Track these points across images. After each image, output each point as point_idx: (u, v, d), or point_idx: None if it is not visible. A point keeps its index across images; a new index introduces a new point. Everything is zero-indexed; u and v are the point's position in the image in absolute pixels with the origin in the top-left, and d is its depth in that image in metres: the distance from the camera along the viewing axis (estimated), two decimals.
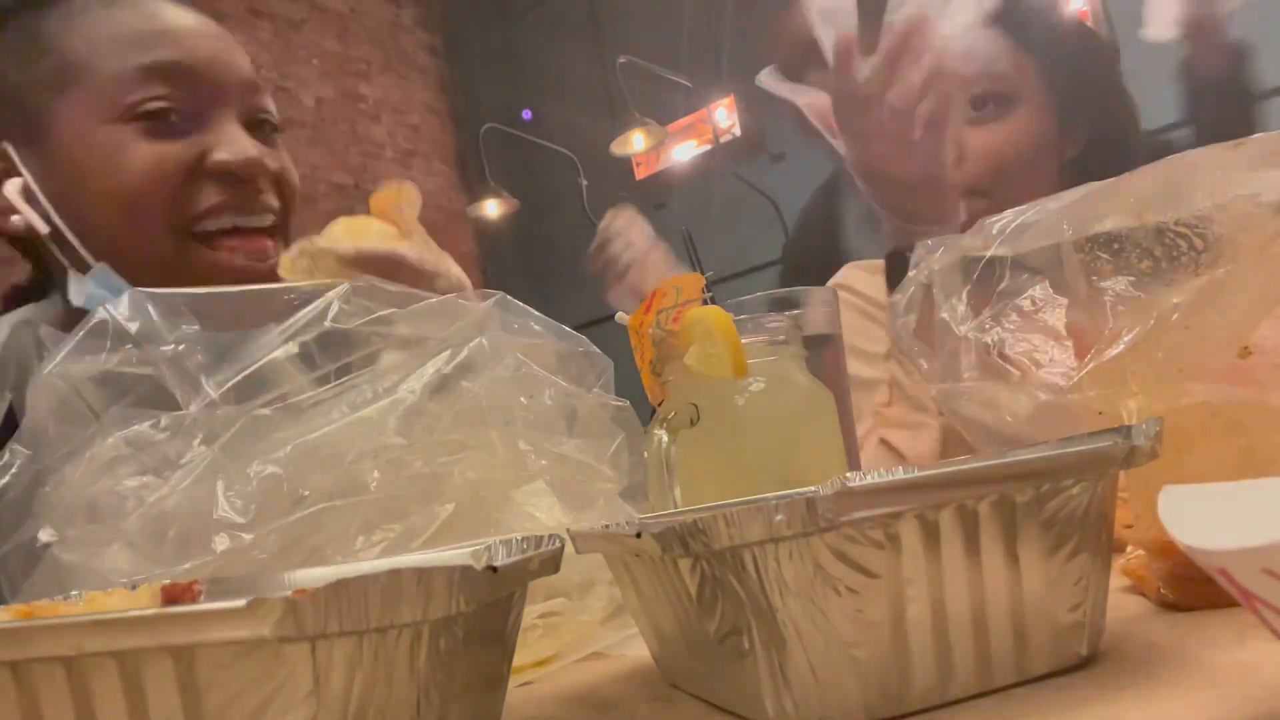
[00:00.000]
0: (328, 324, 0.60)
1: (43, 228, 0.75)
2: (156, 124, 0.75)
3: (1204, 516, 0.25)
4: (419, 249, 0.74)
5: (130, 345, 0.59)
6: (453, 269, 0.77)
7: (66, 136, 0.75)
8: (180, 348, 0.59)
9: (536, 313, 0.67)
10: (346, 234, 0.73)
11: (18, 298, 0.86)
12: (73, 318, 0.63)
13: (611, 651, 0.51)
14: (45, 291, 0.85)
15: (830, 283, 1.16)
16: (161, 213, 0.75)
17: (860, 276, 1.15)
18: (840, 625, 0.30)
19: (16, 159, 0.76)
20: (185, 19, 0.80)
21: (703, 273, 0.60)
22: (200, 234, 0.76)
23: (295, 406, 0.57)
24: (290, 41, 4.45)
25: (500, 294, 0.65)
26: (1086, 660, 0.34)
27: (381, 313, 0.61)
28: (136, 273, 0.73)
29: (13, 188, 0.75)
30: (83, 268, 0.75)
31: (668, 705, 0.39)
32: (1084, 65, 1.07)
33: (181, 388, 0.58)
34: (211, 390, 0.57)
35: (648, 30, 4.60)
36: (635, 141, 3.96)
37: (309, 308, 0.61)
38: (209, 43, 0.79)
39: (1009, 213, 0.61)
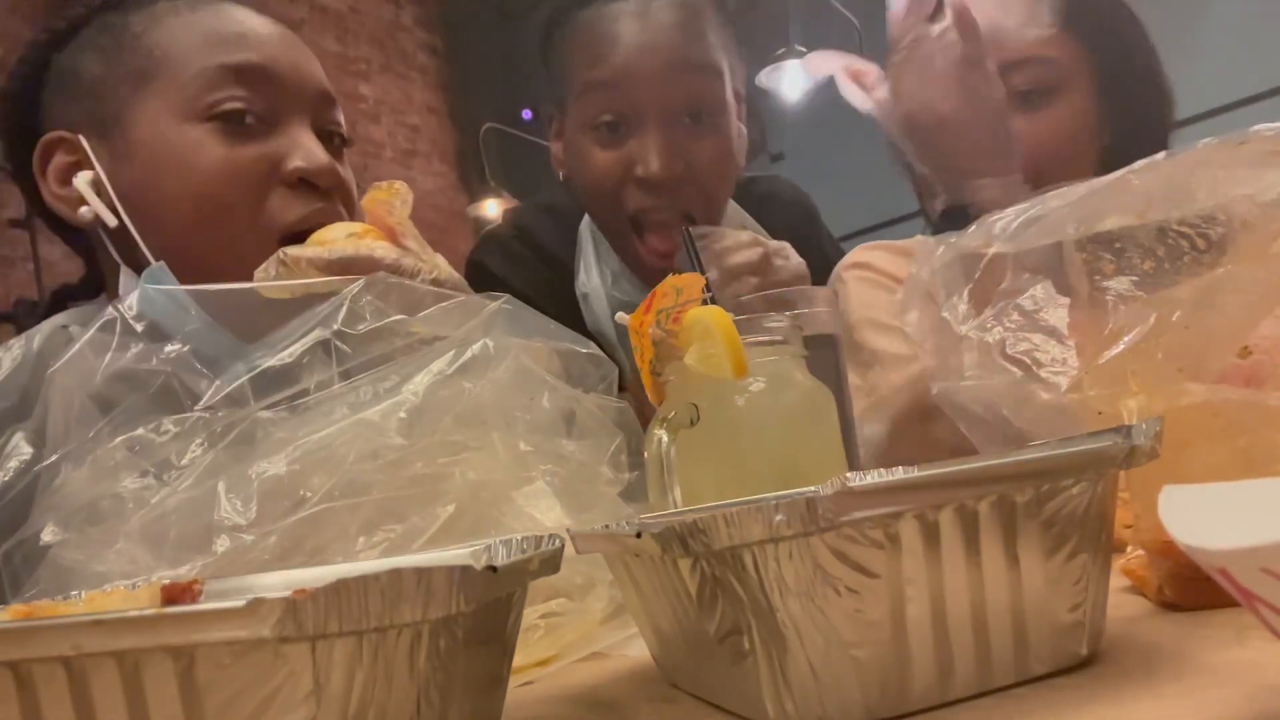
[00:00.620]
0: (338, 326, 0.60)
1: (111, 221, 0.74)
2: (232, 125, 0.75)
3: (1204, 516, 0.25)
4: (395, 250, 0.74)
5: (139, 344, 0.59)
6: (442, 266, 0.77)
7: (143, 132, 0.76)
8: (190, 346, 0.60)
9: (543, 316, 0.67)
10: (315, 240, 0.74)
11: (66, 296, 0.86)
12: None
13: (612, 651, 0.51)
14: (95, 292, 0.85)
15: (843, 263, 1.13)
16: (240, 215, 0.75)
17: (880, 255, 1.12)
18: (840, 625, 0.30)
19: (90, 152, 0.76)
20: (268, 27, 0.81)
21: (703, 273, 0.60)
22: (278, 233, 0.77)
23: (297, 407, 0.57)
24: None
25: (506, 296, 0.65)
26: (1086, 660, 0.34)
27: (395, 316, 0.62)
28: (206, 272, 0.71)
29: (83, 179, 0.75)
30: (138, 266, 0.75)
31: (668, 705, 0.39)
32: (1130, 52, 1.03)
33: (190, 385, 0.58)
34: (221, 388, 0.57)
35: None
36: None
37: (323, 307, 0.61)
38: (290, 51, 0.80)
39: (1010, 210, 0.61)
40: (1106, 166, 1.00)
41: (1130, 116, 1.01)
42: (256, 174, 0.76)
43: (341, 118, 0.84)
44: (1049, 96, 0.98)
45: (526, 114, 4.97)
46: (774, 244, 0.96)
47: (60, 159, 0.77)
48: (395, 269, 0.72)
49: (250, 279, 0.71)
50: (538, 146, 4.28)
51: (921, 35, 0.86)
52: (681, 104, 1.01)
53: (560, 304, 1.10)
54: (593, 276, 1.12)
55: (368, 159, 4.70)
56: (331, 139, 0.83)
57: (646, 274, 1.08)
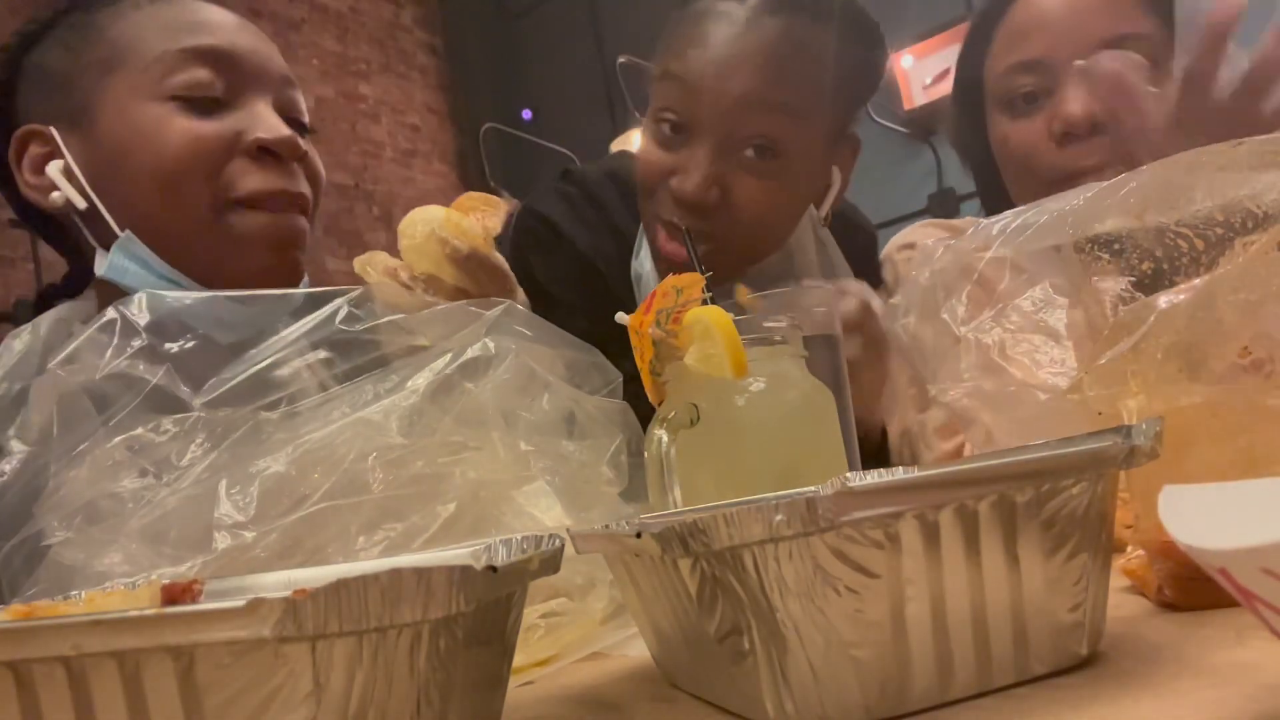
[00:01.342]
0: (337, 325, 0.60)
1: (80, 203, 0.77)
2: (195, 102, 0.78)
3: (1204, 516, 0.25)
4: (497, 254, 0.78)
5: (137, 344, 0.59)
6: (523, 297, 0.81)
7: (109, 115, 0.78)
8: (188, 347, 0.60)
9: (547, 323, 0.67)
10: (458, 231, 0.75)
11: (52, 295, 0.88)
12: None
13: (612, 651, 0.51)
14: (80, 291, 0.87)
15: (894, 242, 1.11)
16: (200, 187, 0.77)
17: (931, 233, 1.10)
18: (840, 625, 0.30)
19: (60, 142, 0.79)
20: (228, 16, 0.84)
21: (702, 273, 0.60)
22: (238, 199, 0.79)
23: (297, 407, 0.57)
24: (290, 41, 4.45)
25: (509, 303, 0.65)
26: (1086, 660, 0.34)
27: (393, 317, 0.62)
28: (173, 243, 0.77)
29: (55, 168, 0.78)
30: (109, 245, 0.78)
31: (668, 705, 0.39)
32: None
33: (187, 387, 0.58)
34: (217, 390, 0.58)
35: (648, 30, 4.60)
36: (635, 141, 3.96)
37: (319, 311, 0.61)
38: (249, 36, 0.83)
39: (1009, 213, 0.61)
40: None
41: None
42: (218, 146, 0.78)
43: (303, 105, 0.86)
44: (1157, 69, 0.91)
45: (526, 114, 4.97)
46: (854, 285, 0.88)
47: (34, 150, 0.80)
48: (510, 290, 0.77)
49: (207, 246, 0.76)
50: (538, 146, 4.30)
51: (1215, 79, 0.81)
52: (744, 136, 0.93)
53: (627, 282, 1.04)
54: (645, 262, 1.06)
55: (367, 159, 4.69)
56: (293, 125, 0.84)
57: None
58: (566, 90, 4.86)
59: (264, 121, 0.80)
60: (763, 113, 0.93)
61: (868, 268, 1.09)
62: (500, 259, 0.79)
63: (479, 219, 0.77)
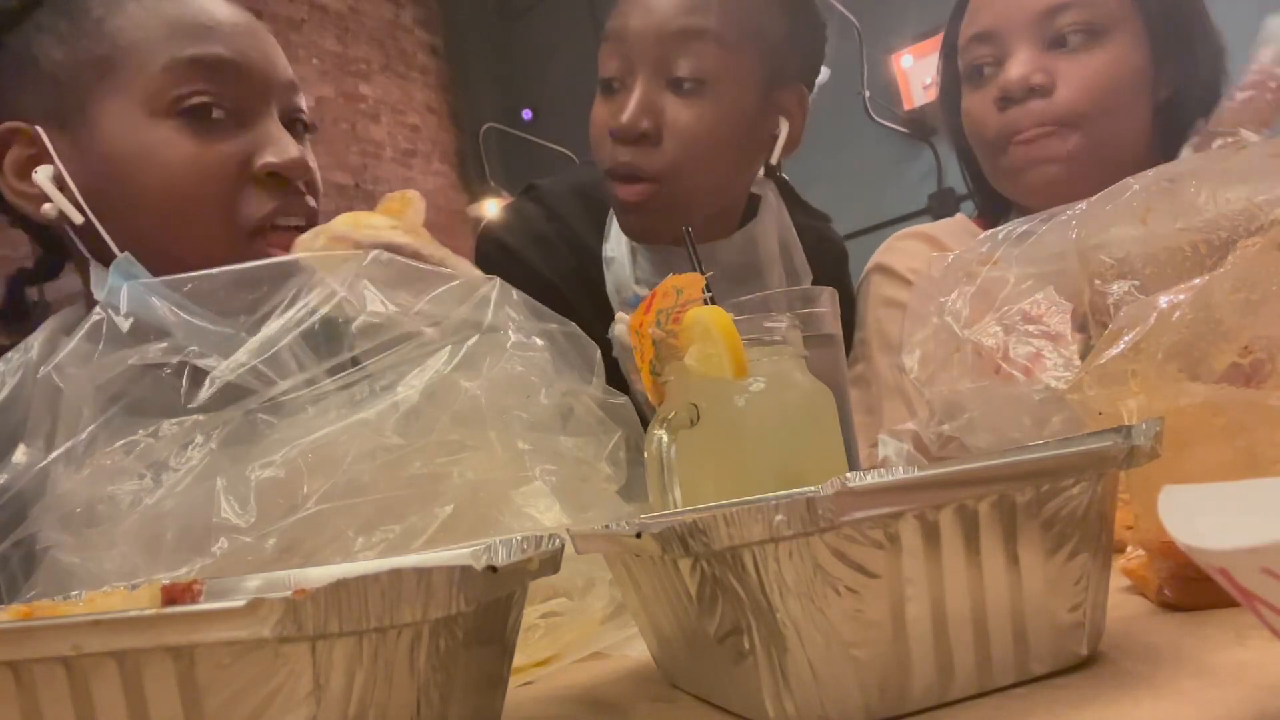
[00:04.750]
0: (326, 311, 0.60)
1: (77, 218, 0.73)
2: (201, 121, 0.75)
3: (1204, 516, 0.25)
4: (429, 244, 0.76)
5: (129, 345, 0.59)
6: (462, 266, 0.77)
7: (108, 126, 0.74)
8: (181, 341, 0.60)
9: (529, 297, 0.67)
10: (354, 225, 0.75)
11: (24, 280, 0.86)
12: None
13: (612, 651, 0.51)
14: (52, 274, 0.85)
15: (872, 260, 1.11)
16: (212, 212, 0.75)
17: (907, 250, 1.08)
18: (840, 625, 0.30)
19: (49, 144, 0.74)
20: (233, 15, 0.79)
21: (703, 272, 0.60)
22: (250, 229, 0.77)
23: (293, 407, 0.57)
24: (290, 41, 4.45)
25: (496, 279, 0.65)
26: (1086, 660, 0.34)
27: (391, 308, 0.62)
28: (177, 269, 0.71)
29: (44, 175, 0.73)
30: (105, 260, 0.74)
31: (668, 705, 0.39)
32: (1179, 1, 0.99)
33: (186, 382, 0.58)
34: (216, 384, 0.57)
35: None
36: None
37: (310, 294, 0.61)
38: (256, 42, 0.79)
39: (1015, 221, 0.62)
40: (1164, 124, 0.97)
41: (1184, 70, 0.97)
42: (227, 171, 0.75)
43: (304, 104, 0.84)
44: (1095, 38, 0.95)
45: (526, 114, 4.97)
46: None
47: (17, 151, 0.75)
48: (431, 263, 0.73)
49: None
50: (538, 146, 4.30)
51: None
52: (672, 66, 0.97)
53: (588, 295, 1.06)
54: (616, 245, 1.09)
55: (367, 159, 4.69)
56: (295, 125, 0.83)
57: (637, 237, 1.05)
58: (566, 90, 4.86)
59: (273, 143, 0.77)
60: (686, 39, 0.97)
61: (837, 280, 1.11)
62: (412, 242, 0.75)
63: (400, 213, 0.77)
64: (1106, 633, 0.35)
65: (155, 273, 0.69)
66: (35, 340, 0.69)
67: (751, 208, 1.10)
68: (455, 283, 0.65)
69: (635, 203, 1.00)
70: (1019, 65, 0.96)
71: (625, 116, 0.97)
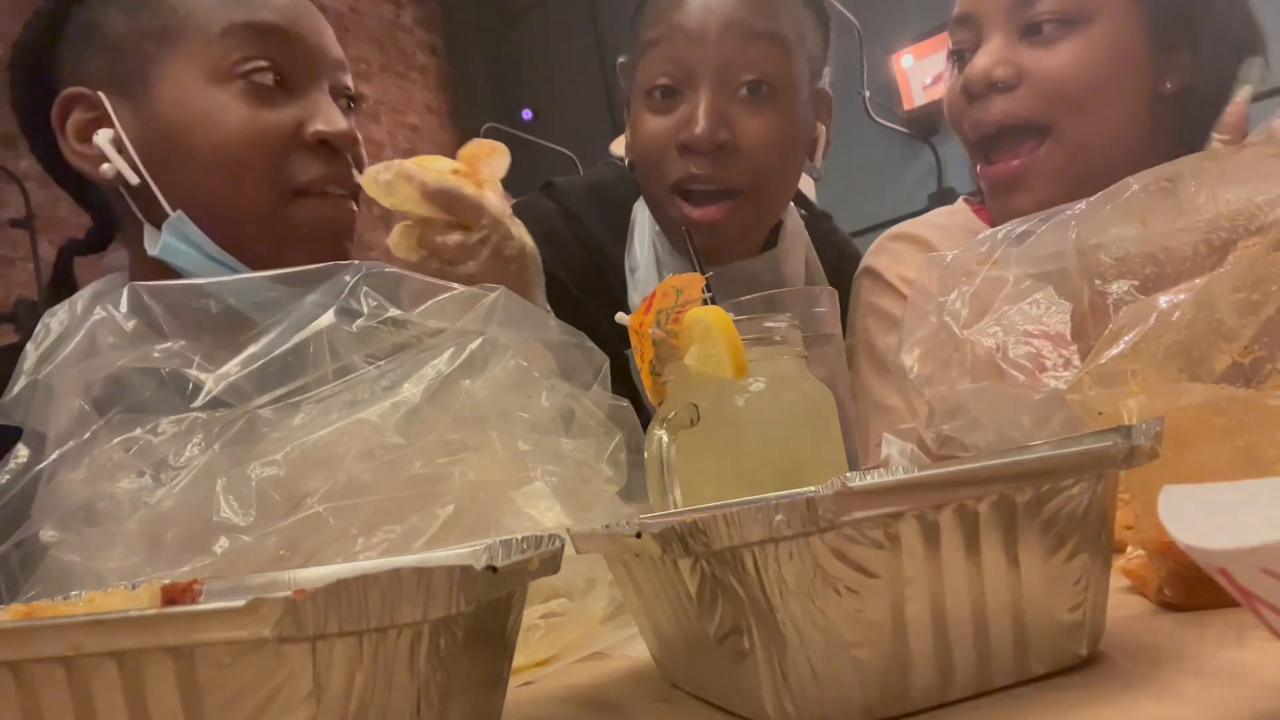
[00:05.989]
0: (333, 319, 0.60)
1: (133, 179, 0.77)
2: (257, 88, 0.78)
3: (1204, 516, 0.25)
4: (500, 202, 0.78)
5: (132, 343, 0.59)
6: (524, 235, 0.80)
7: (168, 91, 0.78)
8: (183, 343, 0.60)
9: (534, 307, 0.68)
10: (421, 166, 0.78)
11: (74, 251, 0.88)
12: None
13: (612, 651, 0.51)
14: (101, 246, 0.88)
15: (862, 263, 1.08)
16: (261, 177, 0.78)
17: (896, 252, 1.04)
18: (840, 625, 0.30)
19: (110, 109, 0.78)
20: None
21: (703, 272, 0.60)
22: (297, 189, 0.80)
23: (292, 407, 0.57)
24: None
25: (502, 289, 0.65)
26: (1086, 660, 0.34)
27: (392, 314, 0.62)
28: (229, 228, 0.77)
29: (104, 137, 0.77)
30: (157, 222, 0.78)
31: (668, 705, 0.39)
32: None
33: (186, 381, 0.58)
34: (218, 380, 0.58)
35: None
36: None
37: (318, 297, 0.61)
38: (309, 16, 0.83)
39: (1013, 221, 0.62)
40: (1169, 119, 0.90)
41: (1197, 58, 0.88)
42: (280, 137, 0.78)
43: (351, 81, 0.87)
44: (1072, 27, 0.87)
45: (526, 114, 4.97)
46: None
47: (79, 115, 0.79)
48: (495, 222, 0.76)
49: (265, 234, 0.77)
50: (538, 146, 4.30)
51: None
52: (738, 72, 0.93)
53: (600, 294, 1.04)
54: (640, 253, 1.06)
55: (368, 159, 4.69)
56: (343, 102, 0.86)
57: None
58: (566, 90, 4.86)
59: (323, 113, 0.80)
60: (750, 40, 0.94)
61: (847, 282, 1.10)
62: (477, 193, 0.77)
63: (481, 165, 0.80)
64: (1106, 633, 0.35)
65: (204, 229, 0.76)
66: (80, 298, 0.71)
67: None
68: (456, 292, 0.65)
69: (713, 223, 0.96)
70: (984, 56, 0.90)
71: (699, 128, 0.93)
